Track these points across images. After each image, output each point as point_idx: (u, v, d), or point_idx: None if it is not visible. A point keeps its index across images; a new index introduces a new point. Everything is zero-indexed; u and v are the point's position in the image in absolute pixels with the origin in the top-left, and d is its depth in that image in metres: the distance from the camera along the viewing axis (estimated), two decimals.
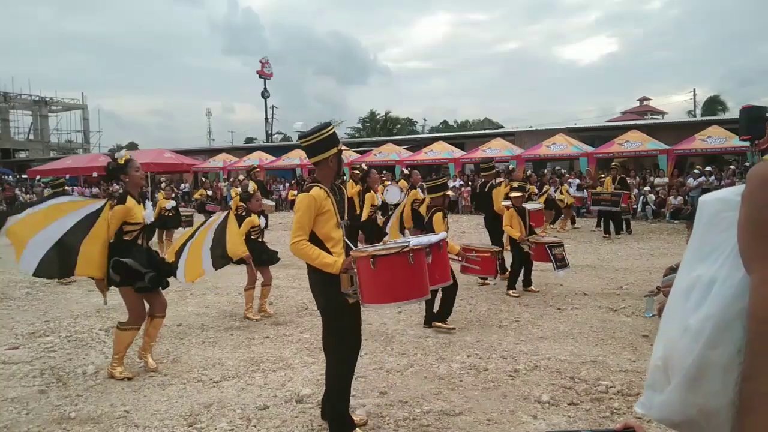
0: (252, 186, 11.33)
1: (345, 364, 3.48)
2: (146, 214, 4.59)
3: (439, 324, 5.67)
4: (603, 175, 13.91)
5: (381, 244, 3.45)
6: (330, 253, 3.29)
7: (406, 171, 13.05)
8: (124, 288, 4.48)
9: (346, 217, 3.51)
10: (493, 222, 8.33)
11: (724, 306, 0.51)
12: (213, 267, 5.63)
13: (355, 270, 3.09)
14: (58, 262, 4.36)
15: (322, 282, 3.32)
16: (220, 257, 5.72)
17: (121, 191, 4.70)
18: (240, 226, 6.34)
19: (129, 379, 4.52)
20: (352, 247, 3.40)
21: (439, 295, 5.62)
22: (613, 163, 13.85)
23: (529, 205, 9.12)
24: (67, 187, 9.74)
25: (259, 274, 6.54)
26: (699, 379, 0.53)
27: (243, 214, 9.49)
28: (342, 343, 3.44)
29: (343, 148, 3.48)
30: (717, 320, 0.51)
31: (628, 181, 14.06)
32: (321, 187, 3.34)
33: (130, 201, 4.47)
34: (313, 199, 3.27)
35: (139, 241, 4.58)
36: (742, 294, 0.48)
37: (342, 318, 3.37)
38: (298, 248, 3.26)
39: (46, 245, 4.27)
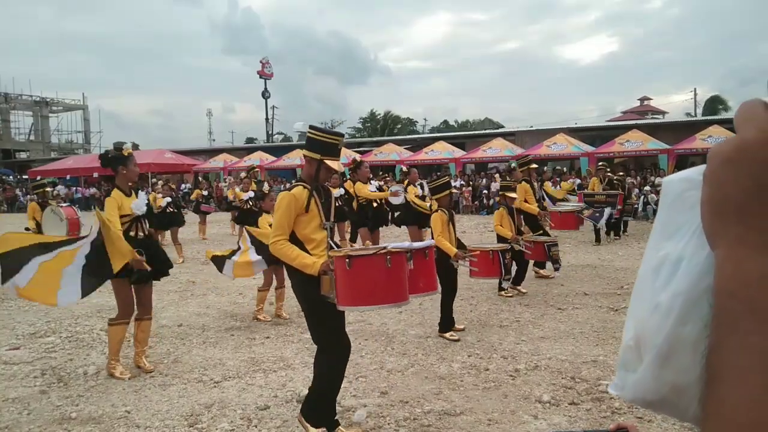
0: (266, 186, 11.48)
1: (329, 368, 3.36)
2: (135, 205, 4.59)
3: (444, 336, 5.45)
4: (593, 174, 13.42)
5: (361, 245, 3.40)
6: (310, 254, 3.21)
7: (405, 169, 13.08)
8: (115, 280, 4.52)
9: (332, 218, 3.44)
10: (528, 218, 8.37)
11: (692, 283, 0.52)
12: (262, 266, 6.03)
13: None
14: (96, 274, 4.40)
15: (302, 283, 3.24)
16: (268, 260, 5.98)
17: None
18: (254, 223, 6.51)
19: (129, 378, 4.53)
20: (335, 248, 3.34)
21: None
22: (601, 163, 13.49)
23: (566, 206, 9.02)
24: (48, 189, 9.65)
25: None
26: (670, 356, 0.54)
27: (254, 208, 9.47)
28: (325, 349, 3.33)
29: (327, 161, 3.33)
30: (686, 297, 0.52)
31: (629, 180, 14.01)
32: (305, 187, 3.28)
33: (116, 192, 4.55)
34: (293, 197, 3.20)
35: (132, 233, 4.59)
36: (708, 271, 0.49)
37: (323, 322, 3.26)
38: (276, 248, 3.19)
39: (77, 273, 4.33)
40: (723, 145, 0.46)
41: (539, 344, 5.21)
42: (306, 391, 4.07)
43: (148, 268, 4.47)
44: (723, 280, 0.46)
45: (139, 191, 4.79)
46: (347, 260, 2.92)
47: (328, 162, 3.32)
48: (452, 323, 5.57)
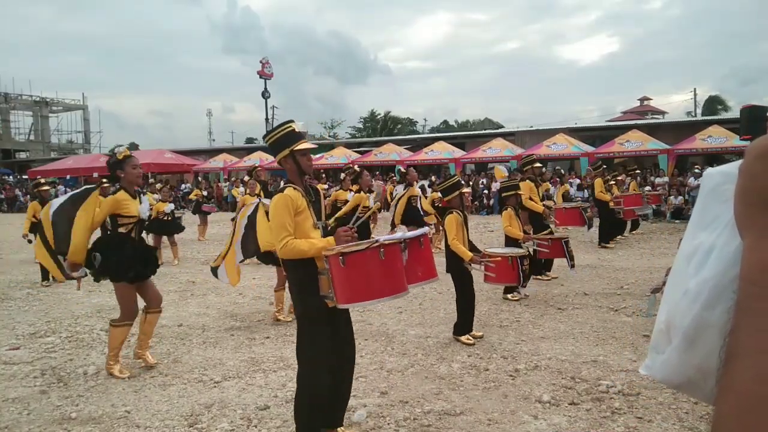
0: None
1: (320, 378, 3.23)
2: (142, 208, 4.62)
3: (459, 339, 5.32)
4: (627, 178, 13.29)
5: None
6: (309, 257, 3.14)
7: (403, 169, 13.08)
8: (116, 283, 4.54)
9: (323, 218, 3.42)
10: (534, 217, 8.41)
11: (722, 270, 0.55)
12: (242, 255, 5.49)
13: (328, 269, 3.01)
14: (56, 239, 4.53)
15: (300, 284, 3.21)
16: (252, 251, 5.63)
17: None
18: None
19: (128, 377, 4.54)
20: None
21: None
22: (635, 166, 13.66)
23: (567, 203, 9.00)
24: (47, 188, 9.62)
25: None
26: (696, 339, 0.57)
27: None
28: (318, 355, 3.21)
29: (300, 147, 3.28)
30: (714, 283, 0.56)
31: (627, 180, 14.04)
32: (295, 188, 3.24)
33: (122, 194, 4.54)
34: (288, 198, 3.15)
35: (133, 235, 4.62)
36: (737, 261, 0.52)
37: (320, 325, 3.18)
38: (288, 249, 3.08)
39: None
40: (760, 140, 0.49)
41: (539, 344, 5.21)
42: None
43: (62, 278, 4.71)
44: (746, 267, 0.48)
45: (142, 195, 4.78)
46: (341, 257, 2.91)
47: (299, 147, 3.28)
48: (469, 328, 5.39)
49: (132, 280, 4.58)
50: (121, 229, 4.55)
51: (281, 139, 3.29)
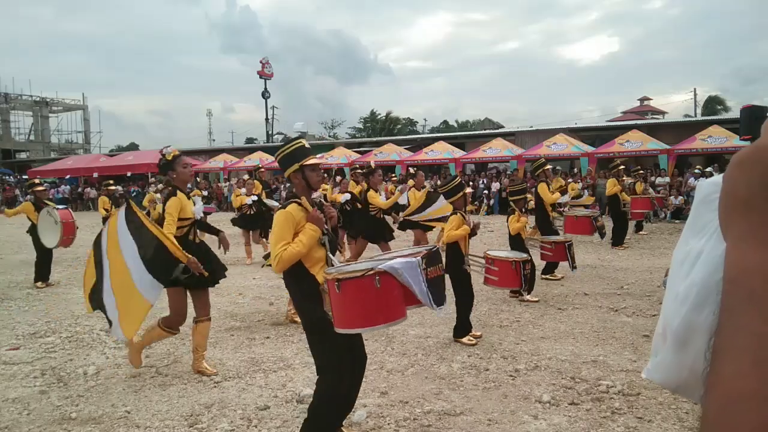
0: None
1: (342, 381, 3.27)
2: (195, 209, 4.54)
3: (460, 341, 5.31)
4: (631, 180, 13.20)
5: (354, 263, 3.31)
6: (310, 274, 3.18)
7: (412, 170, 12.82)
8: (167, 287, 4.40)
9: (329, 232, 3.38)
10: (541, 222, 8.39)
11: (708, 274, 0.58)
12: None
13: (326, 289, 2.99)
14: (160, 270, 4.22)
15: (303, 295, 3.22)
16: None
17: (160, 190, 4.72)
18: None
19: (129, 377, 4.54)
20: (335, 263, 3.28)
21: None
22: (638, 167, 13.62)
23: (581, 211, 9.01)
24: (40, 187, 9.58)
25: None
26: (686, 340, 0.60)
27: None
28: (323, 369, 3.25)
29: (310, 162, 3.33)
30: (701, 286, 0.59)
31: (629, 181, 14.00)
32: (299, 204, 3.28)
33: (181, 195, 4.46)
34: (289, 214, 3.19)
35: (191, 237, 4.54)
36: (723, 263, 0.55)
37: (324, 340, 3.18)
38: (283, 258, 3.09)
39: (143, 272, 4.16)
40: (742, 150, 0.52)
41: (539, 344, 5.21)
42: (306, 391, 4.08)
43: (205, 273, 4.40)
44: (728, 269, 0.50)
45: (195, 197, 4.72)
46: (336, 283, 2.87)
47: (308, 162, 3.33)
48: (469, 328, 5.38)
49: (185, 285, 4.44)
50: (177, 233, 4.38)
51: (290, 154, 3.36)
